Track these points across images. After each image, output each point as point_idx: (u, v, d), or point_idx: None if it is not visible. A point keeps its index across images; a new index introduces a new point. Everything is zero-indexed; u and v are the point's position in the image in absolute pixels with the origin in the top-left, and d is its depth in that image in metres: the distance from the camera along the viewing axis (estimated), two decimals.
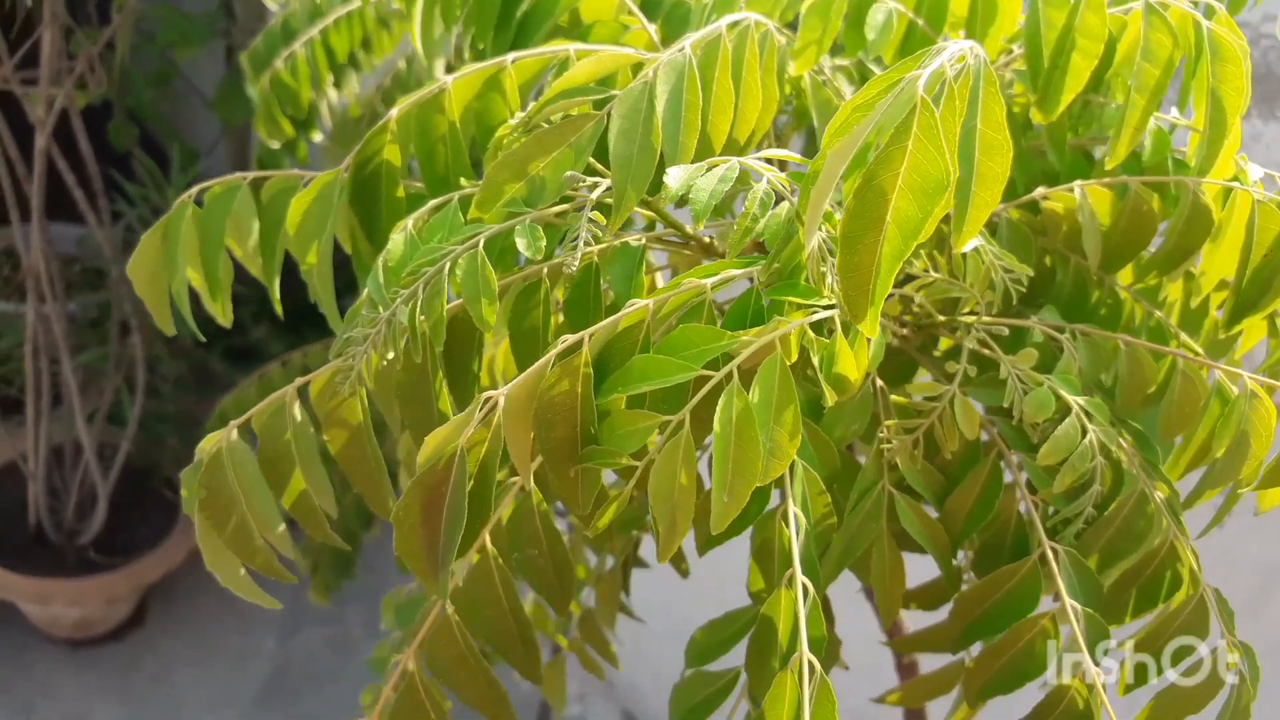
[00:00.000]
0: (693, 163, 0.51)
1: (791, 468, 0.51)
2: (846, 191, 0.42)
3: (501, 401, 0.42)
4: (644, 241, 0.54)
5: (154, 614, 1.83)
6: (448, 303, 0.49)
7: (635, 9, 0.62)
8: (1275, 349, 0.65)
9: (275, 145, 1.05)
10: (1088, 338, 0.58)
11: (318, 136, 1.18)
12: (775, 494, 0.53)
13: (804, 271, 0.48)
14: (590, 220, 0.49)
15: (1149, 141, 0.64)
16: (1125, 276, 0.65)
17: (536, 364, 0.43)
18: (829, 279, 0.46)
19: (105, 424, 1.70)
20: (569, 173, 0.50)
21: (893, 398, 0.57)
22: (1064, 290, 0.63)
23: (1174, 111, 0.67)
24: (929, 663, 0.66)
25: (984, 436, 0.58)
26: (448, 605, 0.48)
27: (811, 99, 0.62)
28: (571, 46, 0.56)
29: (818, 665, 0.43)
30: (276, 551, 0.53)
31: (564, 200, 0.53)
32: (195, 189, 0.58)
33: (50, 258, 1.55)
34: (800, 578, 0.46)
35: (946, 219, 0.44)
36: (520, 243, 0.48)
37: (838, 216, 0.46)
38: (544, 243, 0.49)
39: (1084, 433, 0.53)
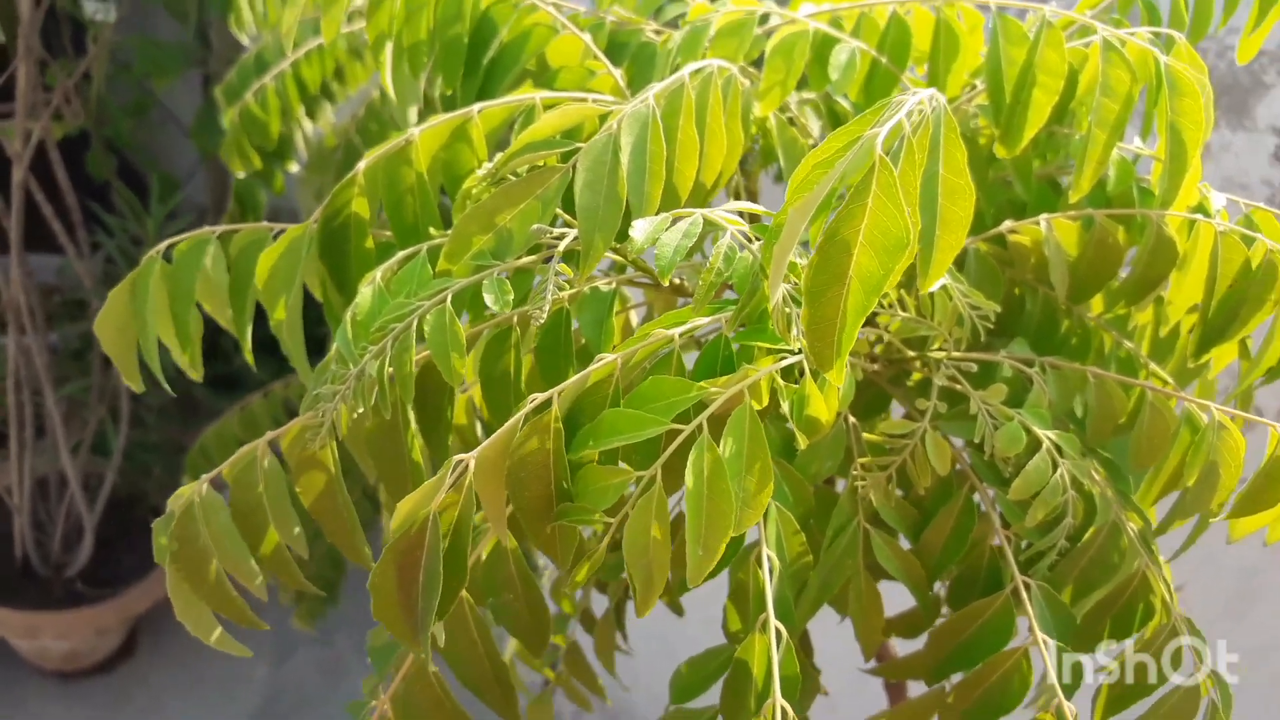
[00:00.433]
0: (660, 209, 0.52)
1: (765, 509, 0.51)
2: (813, 241, 0.42)
3: (472, 464, 0.42)
4: (614, 285, 0.54)
5: (144, 644, 1.82)
6: (419, 352, 0.50)
7: (600, 54, 0.62)
8: (1246, 372, 0.66)
9: (242, 176, 1.06)
10: (1057, 370, 0.59)
11: (294, 167, 1.18)
12: (752, 531, 0.53)
13: (770, 318, 0.48)
14: (557, 272, 0.49)
15: (1113, 172, 0.65)
16: (1095, 306, 0.65)
17: (507, 423, 0.44)
18: (794, 328, 0.46)
19: (89, 455, 1.70)
20: (536, 225, 0.51)
21: (865, 435, 0.58)
22: (1033, 321, 0.64)
23: (1137, 140, 0.68)
24: (917, 684, 0.67)
25: (961, 465, 0.59)
26: (431, 665, 0.49)
27: (777, 138, 0.62)
28: (538, 95, 0.57)
29: (790, 711, 0.43)
30: (251, 596, 0.53)
31: (534, 250, 0.53)
32: (164, 244, 0.58)
33: (30, 289, 1.54)
34: (774, 622, 0.46)
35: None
36: (487, 298, 0.48)
37: (802, 265, 0.46)
38: (511, 296, 0.49)
39: (1055, 467, 0.54)
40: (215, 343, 1.74)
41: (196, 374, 0.58)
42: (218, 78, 1.60)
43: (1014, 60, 0.59)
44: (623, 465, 0.46)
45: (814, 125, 0.68)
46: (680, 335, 0.49)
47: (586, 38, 0.64)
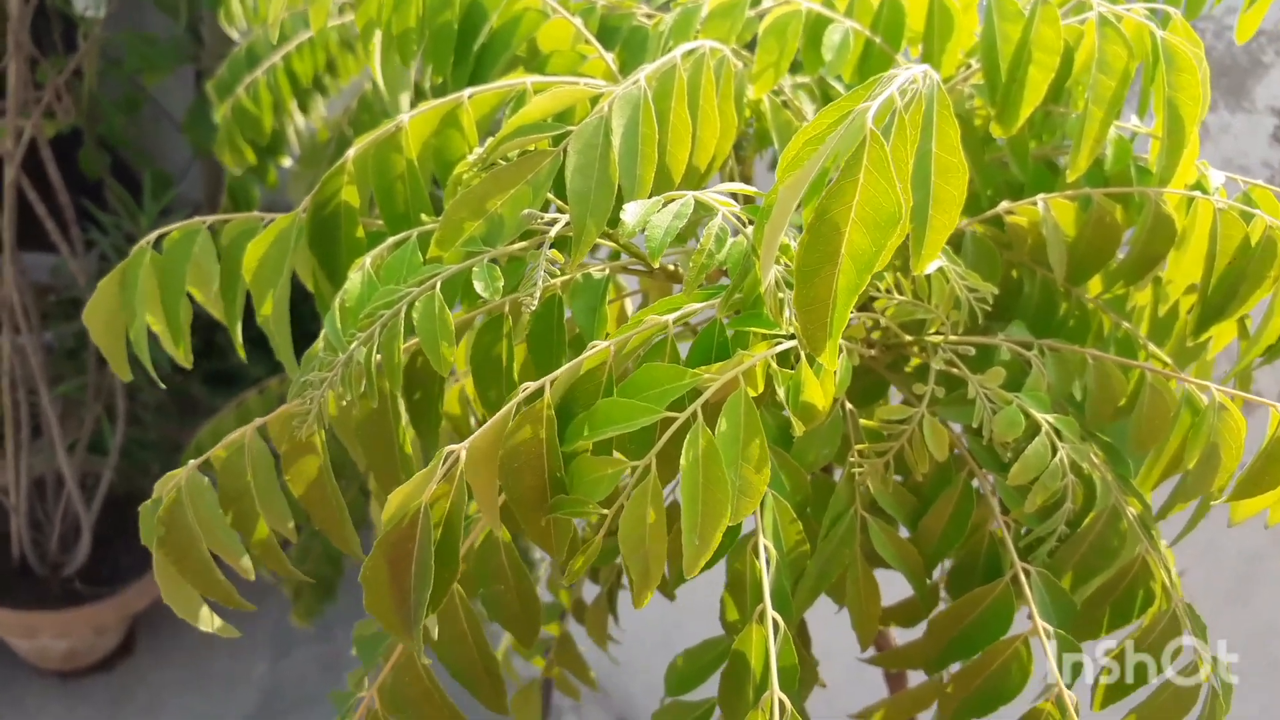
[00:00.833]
0: (652, 193, 0.51)
1: (762, 499, 0.51)
2: (805, 221, 0.42)
3: (463, 455, 0.41)
4: (607, 272, 0.54)
5: (143, 642, 1.82)
6: (409, 340, 0.49)
7: (592, 38, 0.62)
8: (1245, 351, 0.65)
9: (238, 172, 1.05)
10: (1056, 353, 0.58)
11: (287, 161, 1.18)
12: (748, 520, 0.53)
13: (765, 302, 0.48)
14: (548, 258, 0.49)
15: (1110, 150, 0.64)
16: (1093, 287, 0.65)
17: (499, 413, 0.43)
18: (786, 311, 0.45)
19: (86, 454, 1.69)
20: (527, 210, 0.50)
21: (862, 421, 0.57)
22: (1032, 303, 0.63)
23: (1134, 119, 0.67)
24: (917, 674, 0.66)
25: (960, 451, 0.58)
26: (422, 658, 0.48)
27: (771, 121, 0.62)
28: (528, 80, 0.56)
29: (789, 704, 0.42)
30: (244, 580, 0.53)
31: (525, 236, 0.52)
32: (154, 234, 0.57)
33: (24, 289, 1.54)
34: (771, 613, 0.46)
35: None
36: (478, 285, 0.47)
37: (794, 247, 0.45)
38: (501, 283, 0.48)
39: (1054, 451, 0.53)
40: (211, 339, 1.74)
41: (187, 362, 0.57)
42: (210, 73, 1.59)
43: (1009, 37, 0.58)
44: (617, 455, 0.45)
45: (809, 109, 0.67)
46: (674, 321, 0.48)
47: (578, 22, 0.63)
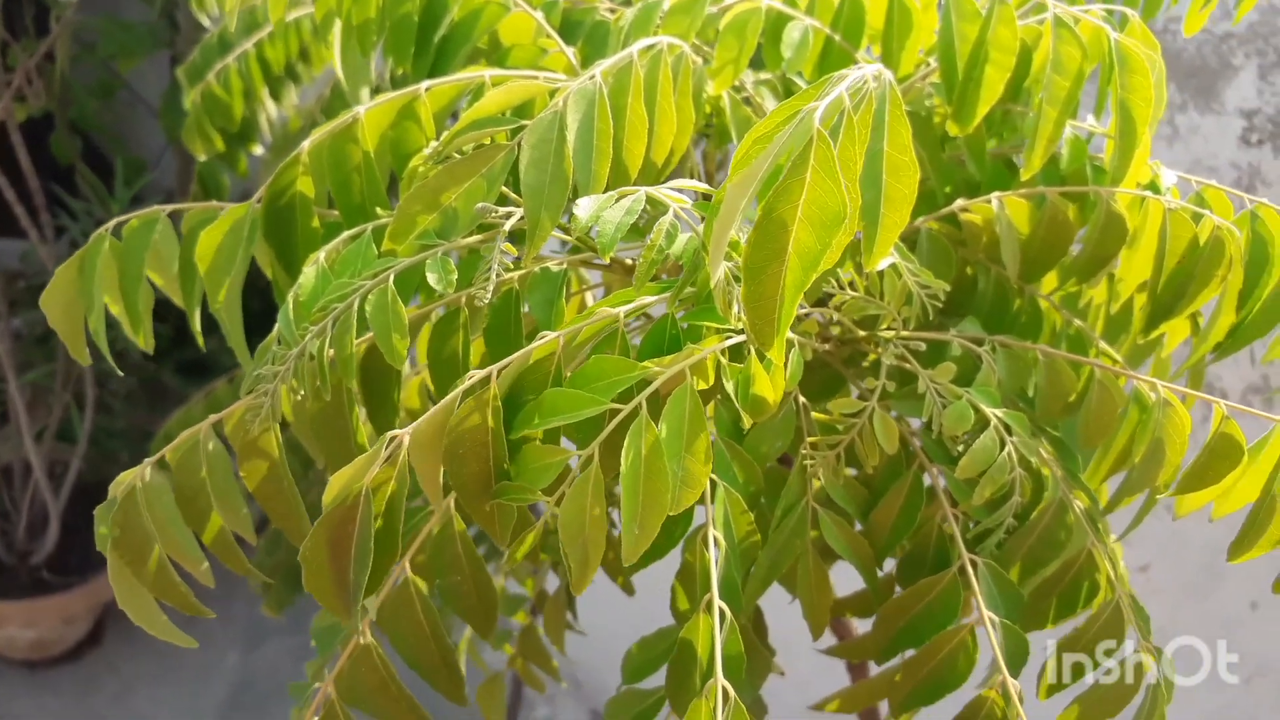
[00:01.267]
0: (609, 187, 0.51)
1: (713, 489, 0.51)
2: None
3: (407, 440, 0.42)
4: (565, 266, 0.54)
5: (112, 632, 1.81)
6: (364, 334, 0.49)
7: (553, 33, 0.62)
8: (1197, 347, 0.66)
9: (203, 158, 1.04)
10: (1008, 349, 0.59)
11: (258, 149, 1.17)
12: (700, 512, 0.53)
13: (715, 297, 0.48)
14: (503, 251, 0.49)
15: (1066, 150, 0.65)
16: (1047, 284, 0.66)
17: (445, 399, 0.43)
18: (735, 307, 0.46)
19: (55, 442, 1.68)
20: (482, 203, 0.50)
21: (815, 415, 0.58)
22: (986, 299, 0.64)
23: (1090, 119, 0.68)
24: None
25: (914, 446, 0.59)
26: (366, 634, 0.48)
27: (731, 118, 0.62)
28: (487, 73, 0.56)
29: (732, 692, 0.43)
30: (196, 583, 0.52)
31: (482, 229, 0.53)
32: (113, 222, 0.57)
33: None
34: (718, 603, 0.46)
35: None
36: (431, 278, 0.48)
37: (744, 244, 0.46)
38: (455, 276, 0.48)
39: (1002, 445, 0.54)
40: (182, 328, 1.73)
41: (149, 348, 0.57)
42: (185, 59, 1.58)
43: (966, 36, 0.59)
44: (566, 444, 0.46)
45: (770, 105, 0.68)
46: (626, 315, 0.49)
47: (539, 16, 0.63)
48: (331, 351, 0.47)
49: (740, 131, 0.62)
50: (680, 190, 0.50)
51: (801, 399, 0.57)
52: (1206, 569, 1.07)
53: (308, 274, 0.50)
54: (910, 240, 0.62)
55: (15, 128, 1.51)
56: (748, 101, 0.66)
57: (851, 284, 0.57)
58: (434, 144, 0.52)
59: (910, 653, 0.56)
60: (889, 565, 0.61)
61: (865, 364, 0.65)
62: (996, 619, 0.52)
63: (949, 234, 0.63)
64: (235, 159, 1.17)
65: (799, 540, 0.56)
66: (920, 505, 0.56)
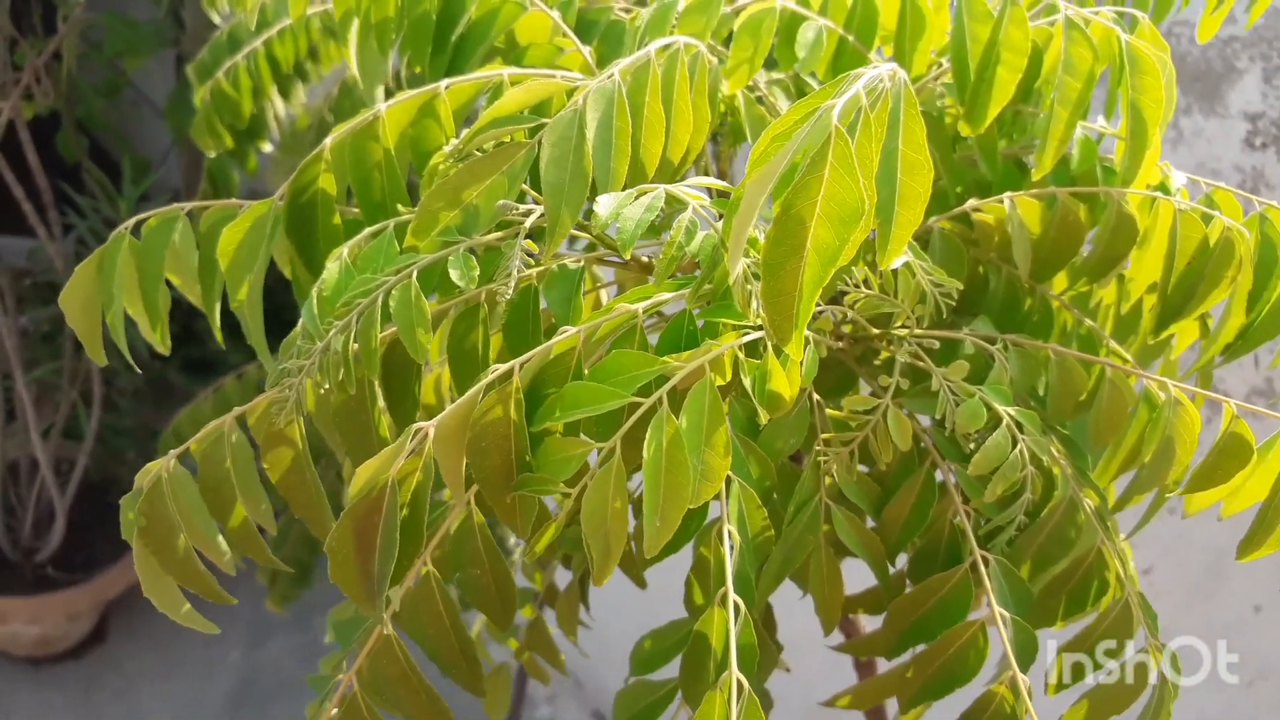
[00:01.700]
0: (626, 186, 0.52)
1: (728, 485, 0.52)
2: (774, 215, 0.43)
3: (432, 432, 0.42)
4: (582, 263, 0.55)
5: (116, 629, 1.82)
6: (386, 328, 0.50)
7: (569, 32, 0.62)
8: (1206, 349, 0.67)
9: (212, 155, 1.05)
10: (1019, 348, 0.60)
11: (267, 147, 1.18)
12: (715, 506, 0.54)
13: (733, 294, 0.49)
14: (523, 248, 0.50)
15: (1077, 150, 0.65)
16: (1058, 284, 0.66)
17: (468, 392, 0.44)
18: (754, 303, 0.47)
19: (61, 439, 1.68)
20: (502, 200, 0.51)
21: (829, 412, 0.58)
22: (997, 299, 0.65)
23: (1101, 120, 0.68)
24: (887, 660, 0.68)
25: (925, 443, 0.59)
26: (388, 626, 0.49)
27: (745, 116, 0.63)
28: (505, 71, 0.57)
29: (746, 684, 0.44)
30: (223, 570, 0.53)
31: (501, 226, 0.53)
32: (132, 220, 0.58)
33: (0, 272, 1.53)
34: (733, 596, 0.47)
35: None
36: (453, 273, 0.48)
37: (763, 240, 0.47)
38: (477, 272, 0.49)
39: (1014, 443, 0.55)
40: (189, 326, 1.73)
41: (165, 348, 0.57)
42: (191, 58, 1.59)
43: (978, 38, 0.59)
44: (584, 438, 0.46)
45: (783, 105, 0.68)
46: (644, 310, 0.49)
47: (555, 15, 0.64)
48: (356, 346, 0.47)
49: (755, 130, 0.63)
50: (696, 188, 0.51)
51: (815, 396, 0.58)
52: (1210, 572, 1.08)
53: (331, 269, 0.50)
54: (923, 239, 0.63)
55: (24, 126, 1.52)
56: (760, 101, 0.67)
57: (865, 282, 0.58)
58: (454, 141, 0.53)
59: (920, 649, 0.57)
60: (900, 562, 0.62)
61: (877, 362, 0.65)
62: (1007, 615, 0.53)
63: (961, 233, 0.64)
64: (244, 156, 1.18)
65: (812, 536, 0.56)
66: (932, 502, 0.57)
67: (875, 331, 0.60)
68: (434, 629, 0.51)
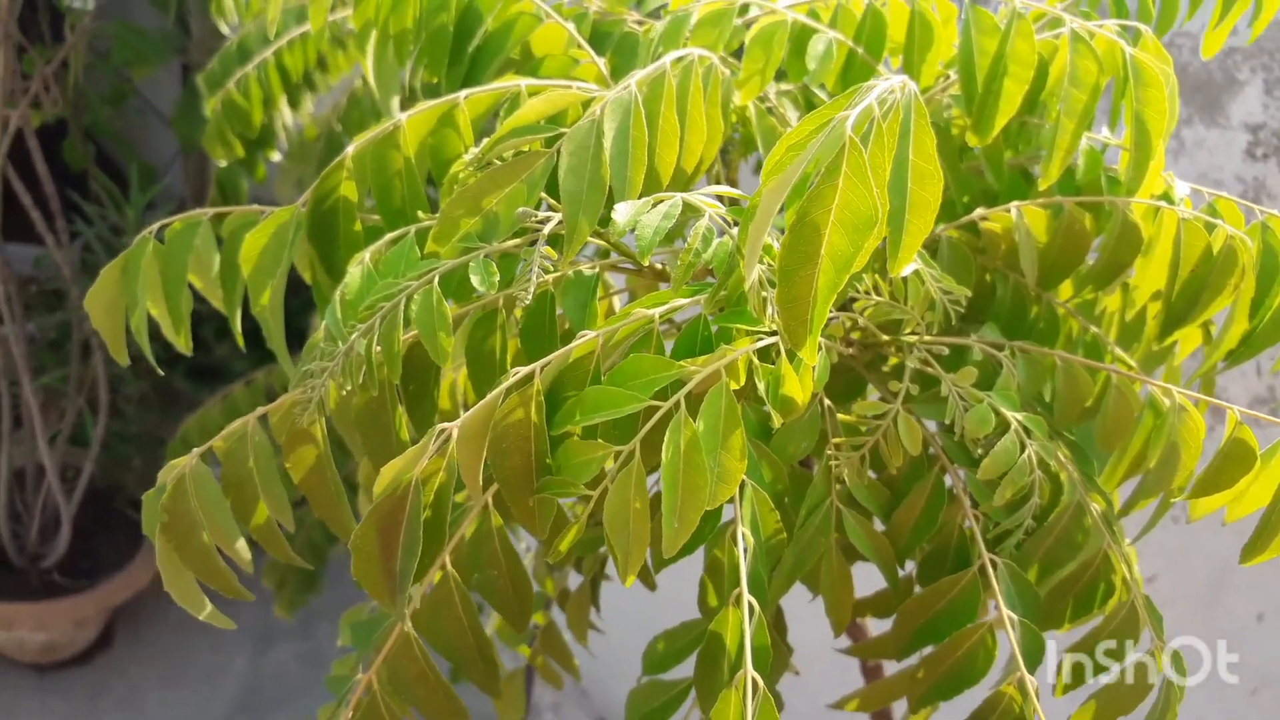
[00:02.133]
0: (641, 194, 0.53)
1: (741, 488, 0.53)
2: (788, 223, 0.44)
3: (455, 433, 0.43)
4: (598, 270, 0.56)
5: (121, 636, 1.82)
6: (406, 331, 0.51)
7: (584, 44, 0.64)
8: (1209, 355, 0.68)
9: (223, 163, 1.06)
10: (1026, 354, 0.61)
11: (275, 155, 1.19)
12: (728, 509, 0.55)
13: (748, 299, 0.50)
14: (541, 254, 0.51)
15: (1082, 161, 0.66)
16: (1065, 291, 0.67)
17: (490, 395, 0.45)
18: (769, 309, 0.48)
19: (67, 445, 1.69)
20: (522, 208, 0.52)
21: (840, 416, 0.59)
22: (1004, 306, 0.66)
23: (1105, 131, 0.69)
24: (893, 667, 0.68)
25: (934, 449, 0.60)
26: (408, 625, 0.50)
27: (757, 127, 0.64)
28: (523, 82, 0.58)
29: (761, 683, 0.45)
30: (239, 571, 0.54)
31: (520, 233, 0.54)
32: (157, 225, 0.59)
33: (7, 279, 1.54)
34: (747, 597, 0.48)
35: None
36: (474, 279, 0.49)
37: (777, 248, 0.48)
38: (497, 278, 0.50)
39: (1022, 448, 0.56)
40: (195, 333, 1.74)
41: (187, 350, 0.59)
42: (198, 67, 1.60)
43: (986, 51, 0.60)
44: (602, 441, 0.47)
45: (792, 116, 0.69)
46: (660, 315, 0.50)
47: (570, 27, 0.65)
48: (378, 348, 0.48)
49: (766, 140, 0.64)
50: (710, 196, 0.52)
51: (826, 401, 0.59)
52: (1213, 581, 1.08)
53: (353, 274, 0.51)
54: (931, 248, 0.64)
55: (31, 134, 1.53)
56: (770, 112, 0.68)
57: (875, 289, 0.59)
58: (473, 150, 0.54)
59: (929, 650, 0.58)
60: (909, 566, 0.63)
61: (886, 368, 0.66)
62: (1015, 617, 0.54)
63: (968, 242, 0.65)
64: (254, 165, 1.19)
65: (823, 539, 0.57)
66: (942, 506, 0.58)
67: (885, 338, 0.61)
68: (453, 630, 0.52)
